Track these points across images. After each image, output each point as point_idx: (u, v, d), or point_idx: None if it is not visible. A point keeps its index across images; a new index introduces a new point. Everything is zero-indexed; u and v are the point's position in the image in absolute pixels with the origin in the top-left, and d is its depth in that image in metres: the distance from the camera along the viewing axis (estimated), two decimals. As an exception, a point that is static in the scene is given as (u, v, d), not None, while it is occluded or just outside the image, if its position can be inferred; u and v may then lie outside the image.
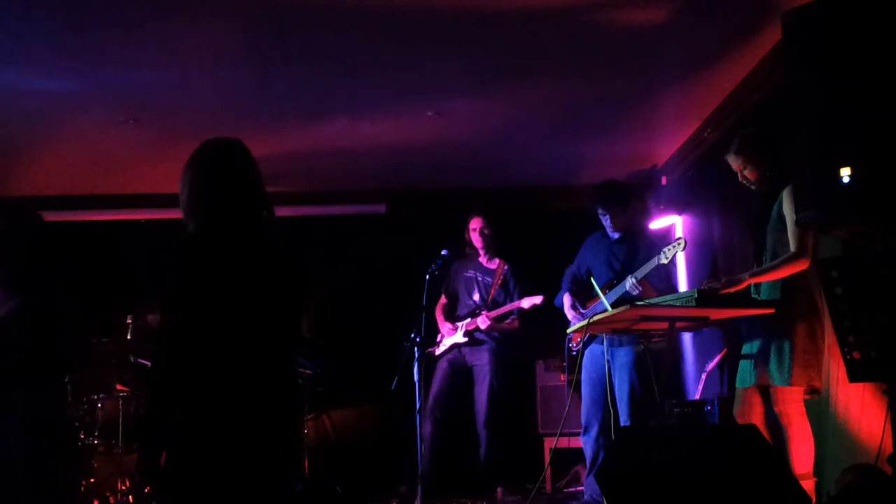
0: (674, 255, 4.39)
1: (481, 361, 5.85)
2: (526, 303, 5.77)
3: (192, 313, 2.53)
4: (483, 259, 6.05)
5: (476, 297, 5.97)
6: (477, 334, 5.87)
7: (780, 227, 3.80)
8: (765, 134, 4.01)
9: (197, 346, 2.51)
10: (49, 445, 3.62)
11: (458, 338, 5.89)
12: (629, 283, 4.63)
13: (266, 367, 2.58)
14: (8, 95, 5.00)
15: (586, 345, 5.07)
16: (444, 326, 6.02)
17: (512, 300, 5.87)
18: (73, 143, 5.88)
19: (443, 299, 6.16)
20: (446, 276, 6.11)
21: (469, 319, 5.86)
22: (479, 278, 6.00)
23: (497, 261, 6.04)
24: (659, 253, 4.46)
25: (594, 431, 5.00)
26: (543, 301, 5.70)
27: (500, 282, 5.95)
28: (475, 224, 6.01)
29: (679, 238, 4.42)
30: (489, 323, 5.80)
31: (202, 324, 2.53)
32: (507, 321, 5.87)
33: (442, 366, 5.96)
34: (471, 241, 6.05)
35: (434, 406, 5.85)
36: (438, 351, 5.98)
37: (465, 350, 5.90)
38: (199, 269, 2.55)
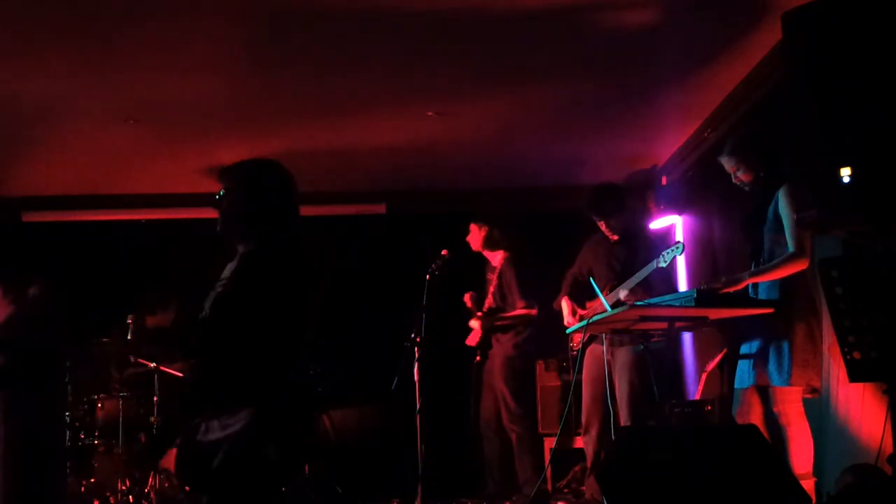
0: (672, 259, 4.39)
1: (492, 366, 5.81)
2: (520, 309, 5.71)
3: (258, 317, 2.70)
4: (489, 256, 5.97)
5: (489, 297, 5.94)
6: (492, 337, 5.82)
7: (776, 228, 3.80)
8: (757, 135, 4.02)
9: (257, 346, 2.69)
10: (35, 448, 3.61)
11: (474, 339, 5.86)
12: (622, 293, 4.64)
13: (303, 368, 2.89)
14: (8, 95, 5.00)
15: (587, 345, 5.07)
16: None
17: (508, 291, 5.78)
18: (73, 142, 5.88)
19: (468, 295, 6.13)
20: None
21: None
22: (487, 276, 5.96)
23: (500, 255, 5.93)
24: (658, 255, 4.46)
25: (595, 431, 5.00)
26: (538, 311, 5.66)
27: (497, 278, 5.87)
28: (470, 234, 5.95)
29: (678, 242, 4.42)
30: (481, 325, 5.77)
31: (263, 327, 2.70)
32: (518, 309, 5.75)
33: (482, 380, 5.89)
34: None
35: (482, 416, 5.83)
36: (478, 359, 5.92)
37: (490, 353, 5.84)
38: (277, 278, 2.76)
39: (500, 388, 5.73)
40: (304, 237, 2.90)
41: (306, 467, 6.23)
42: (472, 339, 5.87)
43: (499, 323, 5.79)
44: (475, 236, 5.92)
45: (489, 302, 5.87)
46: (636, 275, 4.62)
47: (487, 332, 5.82)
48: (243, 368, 2.68)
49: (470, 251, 6.03)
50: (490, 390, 5.82)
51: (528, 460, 5.68)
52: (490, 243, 5.93)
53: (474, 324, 5.79)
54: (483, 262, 6.05)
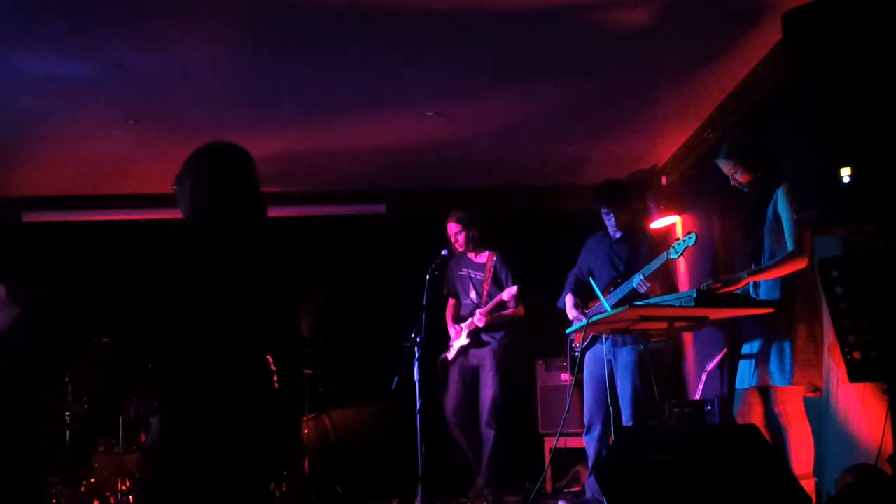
0: (683, 250, 4.38)
1: (484, 362, 5.79)
2: (506, 294, 5.66)
3: (175, 309, 2.52)
4: (471, 255, 5.93)
5: (473, 295, 5.89)
6: (483, 335, 5.78)
7: (776, 228, 3.80)
8: (752, 136, 4.02)
9: (175, 345, 2.51)
10: (26, 459, 3.59)
11: (463, 340, 5.82)
12: (637, 279, 4.63)
13: (253, 368, 2.58)
14: (8, 95, 5.00)
15: (589, 345, 5.08)
16: (452, 329, 5.97)
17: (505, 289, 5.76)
18: (73, 142, 5.88)
19: (450, 302, 6.08)
20: (445, 278, 6.04)
21: (469, 320, 5.83)
22: (472, 275, 5.91)
23: (486, 254, 5.92)
24: (668, 248, 4.45)
25: (597, 431, 4.99)
26: (518, 290, 5.63)
27: (491, 276, 5.84)
28: (450, 230, 5.90)
29: (690, 233, 4.41)
30: (486, 319, 5.71)
31: (183, 321, 2.52)
32: (508, 310, 5.76)
33: (453, 375, 5.86)
34: (454, 246, 5.95)
35: (452, 417, 5.81)
36: (450, 356, 5.89)
37: (472, 352, 5.83)
38: (189, 267, 2.55)
39: (489, 386, 5.71)
40: (272, 228, 2.73)
41: (306, 467, 6.24)
42: (464, 339, 5.83)
43: (496, 321, 5.77)
44: (461, 236, 5.87)
45: (485, 299, 5.82)
46: (647, 266, 4.62)
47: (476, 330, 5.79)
48: (155, 370, 2.52)
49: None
50: (468, 388, 5.80)
51: (501, 460, 5.69)
52: (473, 243, 5.89)
53: (480, 320, 5.72)
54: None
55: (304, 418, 6.50)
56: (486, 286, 5.84)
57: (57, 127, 5.54)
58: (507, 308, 5.76)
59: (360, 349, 6.87)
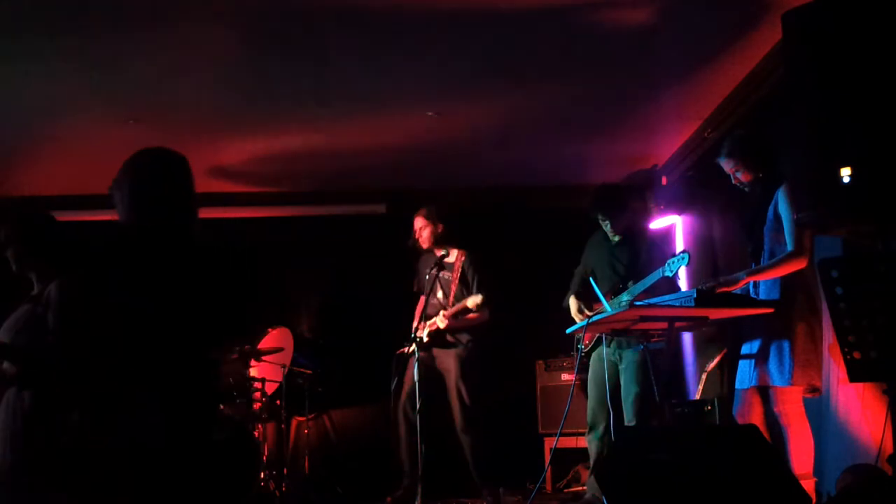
0: (677, 269, 4.38)
1: (448, 367, 5.67)
2: (470, 302, 5.52)
3: (117, 309, 2.57)
4: (439, 253, 5.69)
5: (440, 294, 5.76)
6: (447, 336, 5.66)
7: (776, 228, 3.80)
8: (754, 135, 4.02)
9: (116, 344, 2.55)
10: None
11: (423, 336, 5.61)
12: (625, 301, 4.64)
13: (192, 365, 2.64)
14: (8, 95, 5.00)
15: (594, 346, 5.08)
16: (416, 325, 5.71)
17: (472, 292, 5.61)
18: (73, 143, 5.88)
19: (422, 299, 5.87)
20: (416, 275, 5.93)
21: (433, 319, 5.66)
22: (439, 274, 5.72)
23: (455, 252, 5.77)
24: (660, 258, 4.46)
25: (601, 431, 4.98)
26: (483, 298, 5.47)
27: (458, 276, 5.71)
28: (416, 224, 5.79)
29: (684, 252, 4.39)
30: (448, 322, 5.58)
31: (126, 320, 2.57)
32: (472, 315, 5.60)
33: (411, 366, 5.50)
34: (417, 242, 5.83)
35: (406, 405, 5.61)
36: (408, 350, 5.52)
37: (435, 352, 5.70)
38: (128, 269, 2.64)
39: (458, 394, 5.61)
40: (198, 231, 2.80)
41: (306, 467, 6.24)
42: (427, 336, 5.65)
43: (458, 324, 5.64)
44: (426, 232, 5.76)
45: (452, 300, 5.68)
46: (641, 282, 4.62)
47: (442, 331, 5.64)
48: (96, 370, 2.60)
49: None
50: (423, 384, 5.36)
51: (487, 457, 5.61)
52: (442, 240, 5.77)
53: (442, 321, 5.58)
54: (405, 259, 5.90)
55: (304, 418, 6.50)
56: (453, 286, 5.71)
57: (57, 127, 5.54)
58: (470, 312, 5.62)
59: (360, 349, 6.86)
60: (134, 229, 2.72)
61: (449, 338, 5.67)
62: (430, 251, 5.82)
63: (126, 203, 2.76)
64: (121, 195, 2.78)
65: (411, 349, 5.41)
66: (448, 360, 5.68)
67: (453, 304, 5.65)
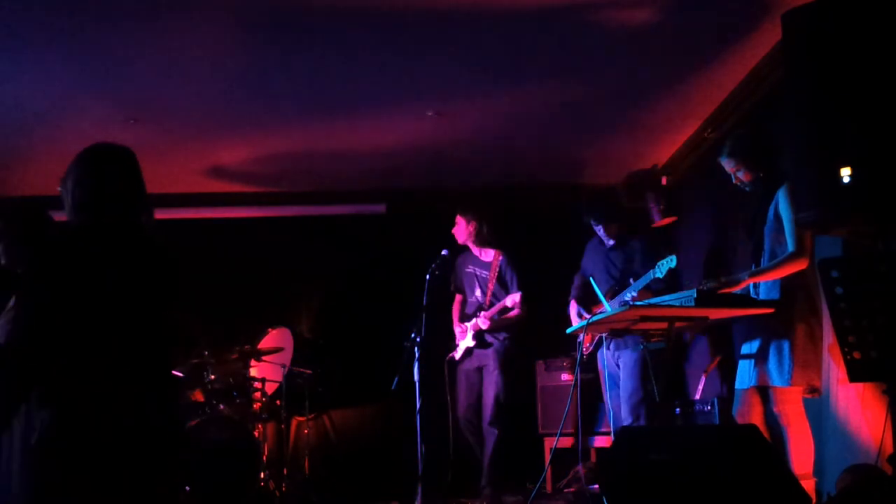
0: (666, 270, 4.42)
1: (487, 362, 5.77)
2: (509, 301, 5.65)
3: (63, 303, 2.54)
4: (477, 252, 5.92)
5: (478, 293, 5.88)
6: (486, 336, 5.76)
7: (777, 228, 3.81)
8: (755, 135, 4.02)
9: (62, 338, 2.52)
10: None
11: (469, 341, 5.79)
12: (628, 296, 4.66)
13: (146, 364, 2.62)
14: (8, 95, 5.00)
15: (597, 347, 5.08)
16: (457, 329, 5.94)
17: (509, 292, 5.74)
18: (73, 143, 5.85)
19: (457, 298, 6.05)
20: (453, 274, 6.02)
21: (473, 321, 5.79)
22: (478, 273, 5.90)
23: (492, 252, 5.89)
24: (654, 265, 4.49)
25: None
26: (522, 296, 5.59)
27: (496, 275, 5.82)
28: (457, 226, 5.91)
29: (672, 255, 4.44)
30: (489, 323, 5.70)
31: (70, 315, 2.54)
32: (511, 314, 5.72)
33: (461, 379, 5.83)
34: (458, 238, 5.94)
35: (462, 417, 5.78)
36: (458, 356, 5.85)
37: (476, 352, 5.81)
38: (77, 263, 2.59)
39: (493, 385, 5.69)
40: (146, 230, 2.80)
41: (306, 467, 6.24)
42: (470, 340, 5.81)
43: (500, 324, 5.75)
44: (462, 228, 5.87)
45: (489, 300, 5.81)
46: (634, 284, 4.64)
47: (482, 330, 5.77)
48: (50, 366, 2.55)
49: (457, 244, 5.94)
50: (473, 388, 5.78)
51: (502, 460, 5.67)
52: (480, 239, 5.88)
53: (484, 323, 5.69)
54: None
55: (304, 418, 6.50)
56: (490, 286, 5.83)
57: (57, 127, 5.54)
58: (509, 311, 5.74)
59: (360, 349, 6.86)
60: (74, 228, 2.71)
61: (487, 338, 5.78)
62: (470, 252, 5.93)
63: (71, 200, 2.76)
64: (66, 192, 2.78)
65: (458, 355, 5.72)
66: (486, 357, 5.77)
67: (491, 304, 5.75)
